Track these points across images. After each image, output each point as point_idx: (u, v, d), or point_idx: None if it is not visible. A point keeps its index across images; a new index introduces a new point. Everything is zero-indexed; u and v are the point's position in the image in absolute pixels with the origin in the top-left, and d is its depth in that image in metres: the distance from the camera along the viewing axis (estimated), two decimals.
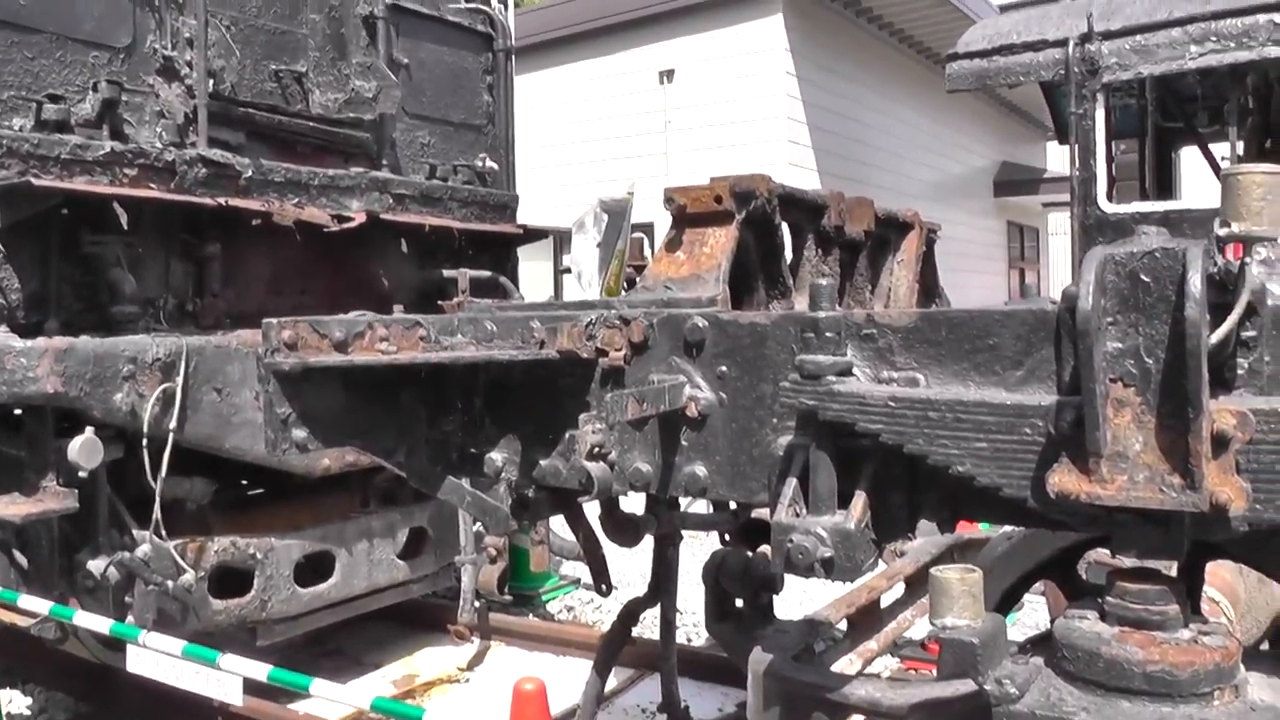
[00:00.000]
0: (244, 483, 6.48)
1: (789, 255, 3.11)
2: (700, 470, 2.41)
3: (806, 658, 2.71)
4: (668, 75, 17.01)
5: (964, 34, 9.65)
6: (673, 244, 2.68)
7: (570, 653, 6.56)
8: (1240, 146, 10.12)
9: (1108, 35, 8.57)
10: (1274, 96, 8.38)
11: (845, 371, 2.06)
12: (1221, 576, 3.29)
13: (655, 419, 2.45)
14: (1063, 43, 8.70)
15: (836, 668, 3.86)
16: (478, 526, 5.96)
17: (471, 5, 7.54)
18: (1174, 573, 2.34)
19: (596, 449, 2.42)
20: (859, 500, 2.04)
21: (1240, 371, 1.86)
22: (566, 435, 2.50)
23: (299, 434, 2.79)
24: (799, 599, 7.33)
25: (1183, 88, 9.37)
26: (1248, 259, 1.72)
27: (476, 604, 6.45)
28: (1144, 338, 1.72)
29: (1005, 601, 3.17)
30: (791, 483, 2.11)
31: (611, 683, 5.91)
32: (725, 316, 2.35)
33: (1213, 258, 1.72)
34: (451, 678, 6.46)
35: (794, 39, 16.33)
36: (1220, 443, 1.68)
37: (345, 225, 6.14)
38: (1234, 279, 1.74)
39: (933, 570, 1.93)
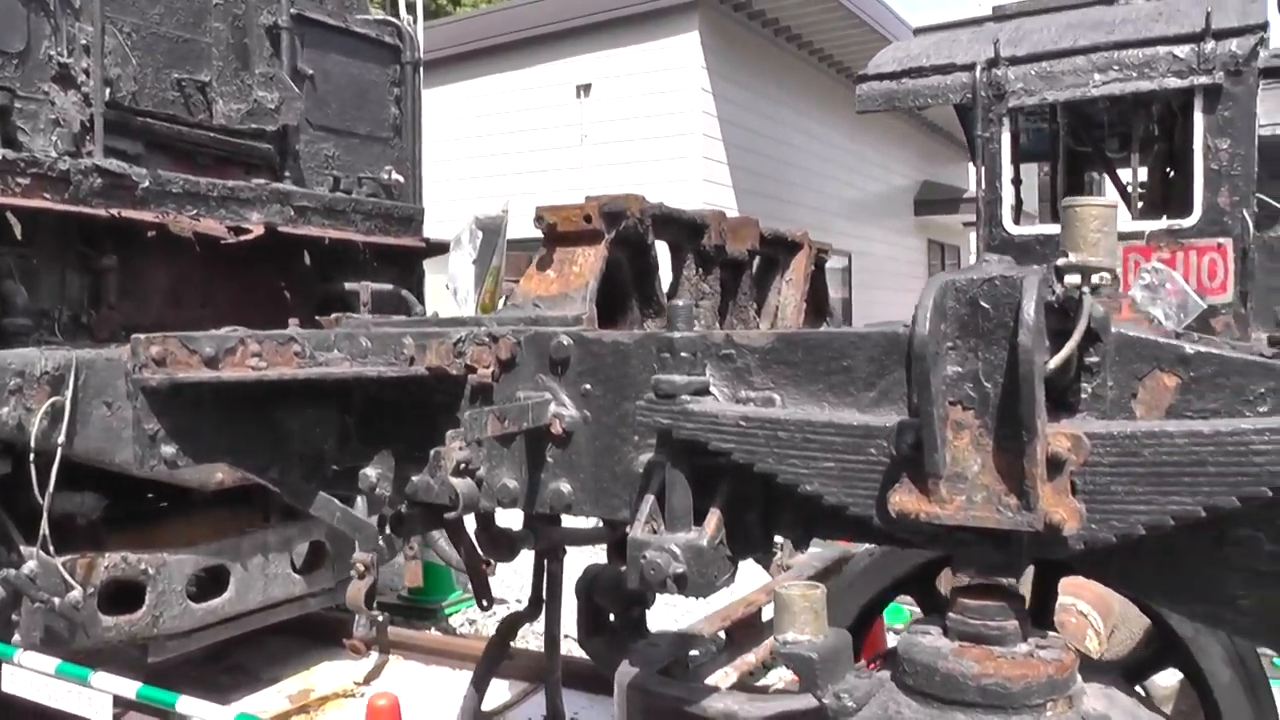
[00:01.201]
0: (149, 496, 6.38)
1: (669, 274, 3.12)
2: (565, 487, 2.41)
3: (679, 671, 2.72)
4: (585, 90, 17.03)
5: (875, 56, 9.79)
6: (543, 262, 2.68)
7: (468, 666, 6.47)
8: (1143, 173, 10.39)
9: (1014, 61, 8.75)
10: (1177, 125, 8.60)
11: (701, 391, 2.07)
12: (1094, 590, 3.35)
13: (522, 436, 2.45)
14: (970, 67, 8.86)
15: (713, 680, 3.89)
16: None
17: (379, 17, 7.49)
18: (1027, 589, 2.39)
19: (463, 465, 2.41)
20: (713, 518, 2.05)
21: (1084, 396, 1.89)
22: (432, 452, 2.48)
23: (168, 450, 2.76)
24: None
25: (1093, 113, 9.58)
26: (1084, 288, 1.75)
27: (381, 618, 6.38)
28: (983, 362, 1.75)
29: (866, 616, 3.19)
30: (649, 500, 2.13)
31: (505, 695, 5.89)
32: (589, 335, 2.35)
33: (1051, 286, 1.75)
34: (347, 692, 6.39)
35: (710, 56, 16.43)
36: (1055, 465, 1.71)
37: (241, 238, 6.06)
38: (1074, 306, 1.77)
39: (776, 587, 1.95)
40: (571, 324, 2.50)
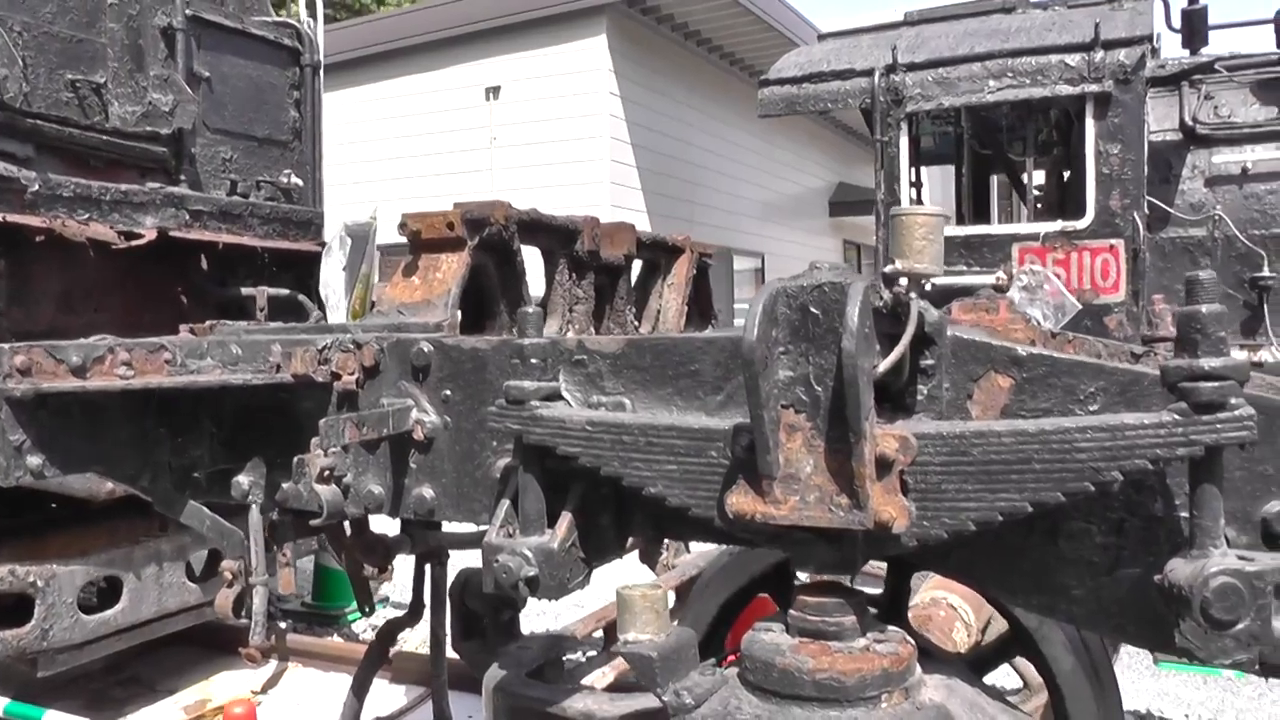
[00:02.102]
0: (53, 506, 6.27)
1: (544, 279, 3.15)
2: (428, 492, 2.43)
3: (553, 673, 2.74)
4: (494, 92, 16.99)
5: (779, 61, 9.90)
6: (409, 269, 2.69)
7: None
8: (1040, 177, 10.62)
9: (912, 67, 8.89)
10: (1073, 131, 8.80)
11: (552, 396, 2.10)
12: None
13: (387, 442, 2.47)
14: (869, 73, 8.99)
15: (589, 680, 3.92)
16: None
17: (277, 19, 7.43)
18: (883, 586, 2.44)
19: (327, 472, 2.42)
20: (564, 521, 2.09)
21: (920, 398, 1.95)
22: (295, 459, 2.48)
23: (34, 460, 2.72)
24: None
25: (995, 118, 9.78)
26: (911, 294, 1.81)
27: (283, 625, 6.33)
28: (814, 367, 1.80)
29: (723, 615, 3.23)
30: (504, 504, 2.16)
31: (401, 701, 5.88)
32: (449, 341, 2.37)
33: (880, 292, 1.80)
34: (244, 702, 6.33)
35: (618, 60, 16.48)
36: (884, 465, 1.76)
37: (133, 243, 5.98)
38: (904, 311, 1.83)
39: (618, 588, 1.99)
40: (433, 330, 2.52)
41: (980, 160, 11.02)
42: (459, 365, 2.35)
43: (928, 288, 1.88)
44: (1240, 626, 1.72)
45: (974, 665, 2.66)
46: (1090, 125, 8.48)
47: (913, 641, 1.98)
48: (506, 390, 2.08)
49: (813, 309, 1.79)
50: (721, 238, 19.24)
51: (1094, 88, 8.41)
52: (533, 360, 2.08)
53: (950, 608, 3.32)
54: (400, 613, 3.45)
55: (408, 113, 17.87)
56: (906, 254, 1.78)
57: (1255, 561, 1.75)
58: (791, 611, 1.97)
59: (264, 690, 6.48)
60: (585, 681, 3.35)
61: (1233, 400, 1.70)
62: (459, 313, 2.62)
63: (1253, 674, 4.05)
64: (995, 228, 9.30)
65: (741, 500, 1.84)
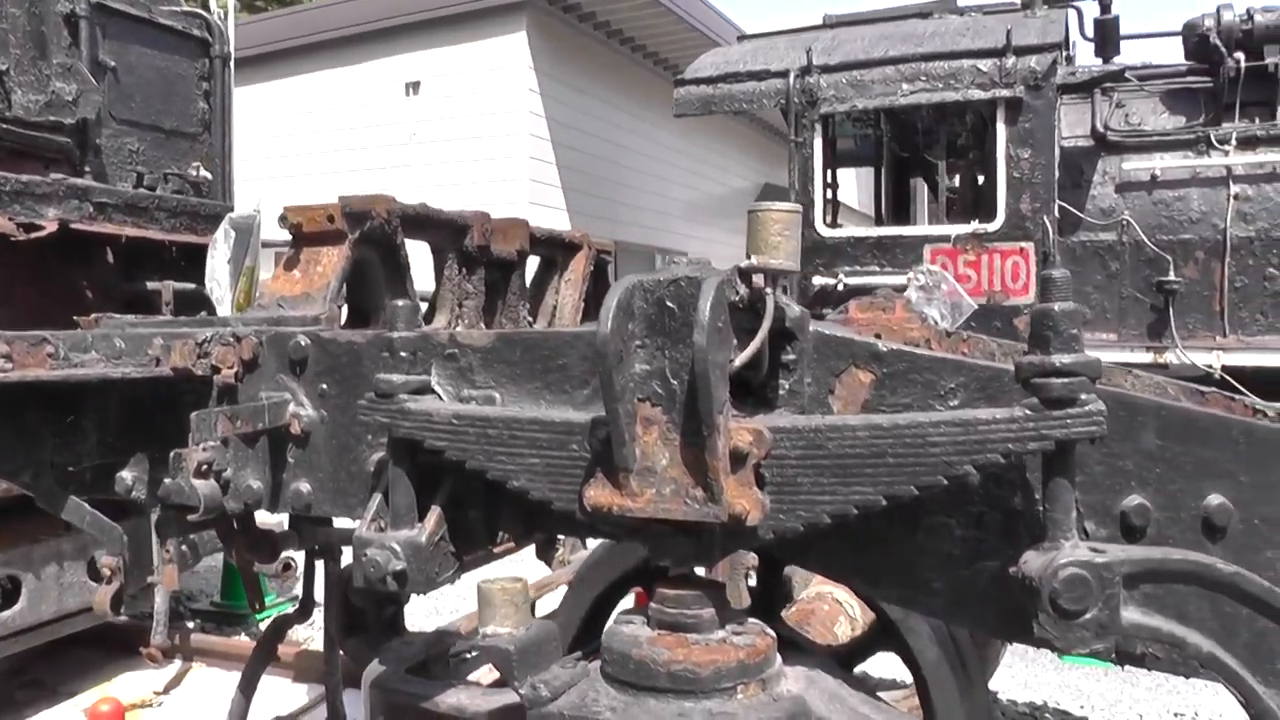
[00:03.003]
0: None
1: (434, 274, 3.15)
2: (305, 486, 2.42)
3: (438, 669, 2.74)
4: (414, 87, 16.90)
5: (695, 60, 9.96)
6: (290, 262, 2.68)
7: (274, 672, 6.41)
8: (955, 180, 10.77)
9: (826, 69, 8.98)
10: (987, 135, 8.94)
11: (421, 390, 2.10)
12: None
13: (266, 436, 2.45)
14: (784, 74, 9.07)
15: (476, 675, 3.92)
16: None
17: (186, 9, 7.34)
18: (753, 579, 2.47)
19: (204, 467, 2.42)
20: (432, 515, 2.09)
21: (782, 392, 1.98)
22: (172, 454, 2.46)
23: None
24: None
25: (912, 121, 9.91)
26: (769, 289, 1.83)
27: (191, 625, 6.26)
28: (669, 360, 1.82)
29: (598, 609, 3.23)
30: (376, 498, 2.16)
31: (304, 700, 5.84)
32: (325, 335, 2.37)
33: (735, 287, 1.82)
34: (146, 702, 6.25)
35: (538, 57, 16.45)
36: (738, 458, 1.78)
37: (33, 234, 5.88)
38: (763, 306, 1.85)
39: (479, 582, 2.00)
40: (311, 324, 2.51)
41: (901, 163, 11.16)
42: (335, 359, 2.35)
43: (783, 284, 1.90)
44: (1088, 616, 1.77)
45: (842, 658, 2.70)
46: (1001, 130, 8.64)
47: (772, 634, 2.00)
48: (376, 384, 2.08)
49: (669, 303, 1.81)
50: (646, 237, 19.29)
51: (1005, 93, 8.56)
52: (403, 354, 2.08)
53: (836, 602, 3.36)
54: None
55: (328, 107, 17.71)
56: (762, 249, 1.81)
57: (1105, 553, 1.80)
58: (652, 604, 1.99)
59: (166, 691, 6.40)
60: (472, 677, 3.35)
61: (1083, 396, 1.75)
62: (341, 306, 2.61)
63: (1111, 663, 4.14)
64: (907, 229, 9.42)
65: (599, 493, 1.86)
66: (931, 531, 2.00)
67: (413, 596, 2.44)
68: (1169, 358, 8.76)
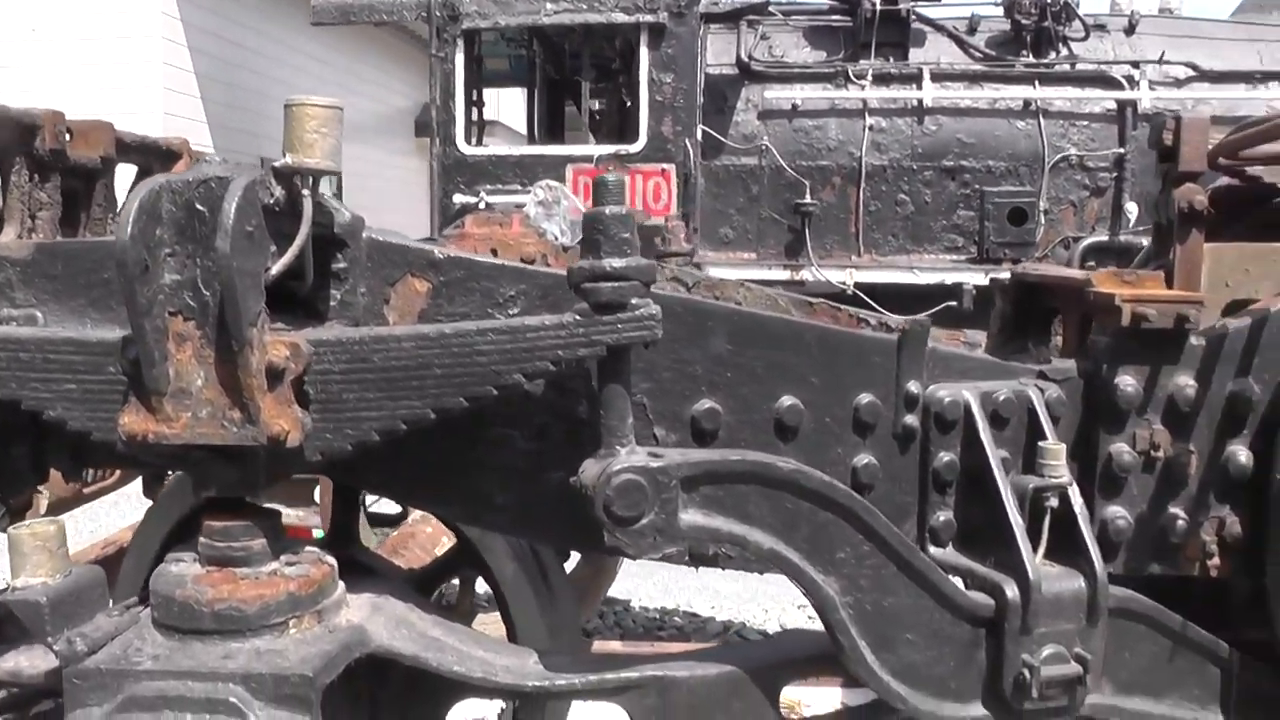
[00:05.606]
0: None
1: None
2: None
3: (12, 630, 2.50)
4: None
5: None
6: None
7: None
8: (600, 104, 10.85)
9: None
10: (634, 58, 9.02)
11: None
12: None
13: None
14: None
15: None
16: None
17: None
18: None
19: None
20: None
21: (333, 304, 1.86)
22: None
23: None
24: None
25: (565, 43, 9.91)
26: (306, 190, 1.70)
27: None
28: (201, 269, 1.67)
29: (171, 540, 2.97)
30: None
31: None
32: None
33: (270, 189, 1.69)
34: None
35: None
36: (275, 375, 1.66)
37: None
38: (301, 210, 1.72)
39: (10, 528, 1.80)
40: None
41: (554, 85, 11.15)
42: None
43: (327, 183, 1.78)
44: (645, 521, 1.77)
45: (421, 582, 2.63)
46: (645, 54, 8.74)
47: (331, 562, 1.90)
48: None
49: (198, 206, 1.66)
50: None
51: (649, 18, 8.66)
52: None
53: (441, 524, 3.28)
54: None
55: None
56: (297, 147, 1.67)
57: (663, 458, 1.80)
58: (201, 539, 1.84)
59: None
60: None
61: (635, 300, 1.72)
62: None
63: (685, 565, 4.29)
64: (549, 149, 9.42)
65: (134, 420, 1.69)
66: (493, 445, 1.96)
67: None
68: (805, 275, 9.16)
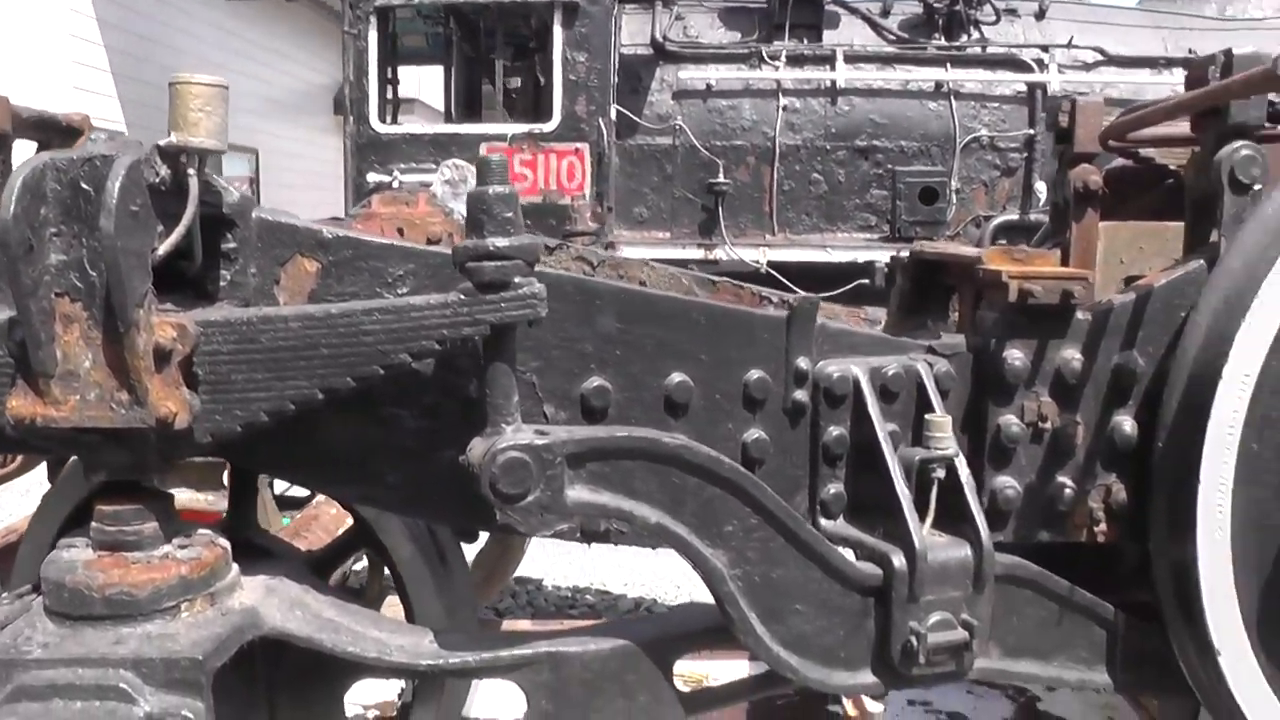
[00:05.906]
0: None
1: None
2: None
3: None
4: None
5: None
6: None
7: None
8: (516, 82, 10.80)
9: None
10: (549, 37, 8.98)
11: None
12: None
13: None
14: None
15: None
16: None
17: None
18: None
19: None
20: None
21: (224, 284, 1.87)
22: None
23: None
24: None
25: (481, 21, 9.84)
26: (192, 170, 1.71)
27: None
28: (87, 250, 1.67)
29: (67, 526, 2.91)
30: None
31: None
32: None
33: (155, 167, 1.69)
34: None
35: None
36: (162, 356, 1.67)
37: None
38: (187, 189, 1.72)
39: None
40: None
41: (470, 63, 11.08)
42: None
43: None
44: (531, 499, 1.79)
45: (319, 564, 2.64)
46: (559, 33, 8.72)
47: (224, 544, 1.91)
48: None
49: (84, 185, 1.66)
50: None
51: None
52: None
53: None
54: None
55: None
56: (181, 126, 1.67)
57: (548, 435, 1.83)
58: (93, 524, 1.84)
59: None
60: None
61: (518, 279, 1.74)
62: None
63: (576, 541, 4.33)
64: (464, 127, 9.36)
65: (21, 403, 1.69)
66: (384, 424, 1.97)
67: None
68: (719, 254, 9.21)
